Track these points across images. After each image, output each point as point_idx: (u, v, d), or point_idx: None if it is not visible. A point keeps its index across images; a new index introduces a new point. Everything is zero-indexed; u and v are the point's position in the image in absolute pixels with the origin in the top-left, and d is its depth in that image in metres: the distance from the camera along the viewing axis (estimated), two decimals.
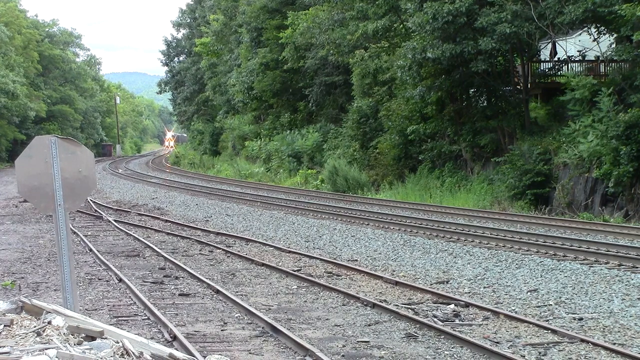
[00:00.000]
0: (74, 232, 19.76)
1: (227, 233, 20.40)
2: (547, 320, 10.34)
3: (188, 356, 6.03)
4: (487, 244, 17.15)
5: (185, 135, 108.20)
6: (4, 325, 5.68)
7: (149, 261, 16.28)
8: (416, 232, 19.41)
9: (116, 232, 21.31)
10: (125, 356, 5.33)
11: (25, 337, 5.47)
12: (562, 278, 13.07)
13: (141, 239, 19.30)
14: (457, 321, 10.45)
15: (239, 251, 17.20)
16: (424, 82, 29.90)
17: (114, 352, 5.33)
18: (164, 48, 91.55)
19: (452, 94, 31.09)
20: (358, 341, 9.55)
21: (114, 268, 14.79)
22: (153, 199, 32.26)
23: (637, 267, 13.73)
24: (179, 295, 12.59)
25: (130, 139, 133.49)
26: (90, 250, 17.55)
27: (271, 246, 17.81)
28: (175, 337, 9.41)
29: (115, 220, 23.47)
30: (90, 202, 29.08)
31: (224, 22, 61.02)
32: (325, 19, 39.55)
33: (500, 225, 20.05)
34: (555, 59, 30.92)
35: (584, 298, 11.60)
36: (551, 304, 11.30)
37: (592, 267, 14.00)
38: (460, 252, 16.22)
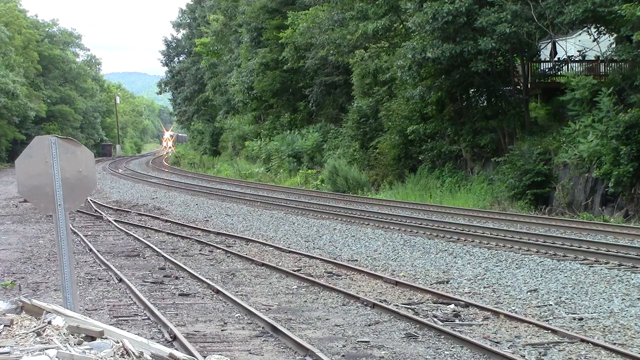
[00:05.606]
0: (74, 232, 19.75)
1: (227, 233, 20.39)
2: (547, 320, 10.34)
3: (188, 356, 6.03)
4: (487, 244, 17.15)
5: (184, 135, 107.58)
6: (4, 325, 5.68)
7: (149, 261, 16.27)
8: (416, 232, 19.41)
9: (116, 232, 21.30)
10: (126, 356, 5.33)
11: (25, 337, 5.47)
12: (562, 278, 13.07)
13: (141, 239, 19.30)
14: (457, 321, 10.45)
15: (239, 251, 17.20)
16: (424, 82, 29.91)
17: (114, 352, 5.33)
18: (164, 48, 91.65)
19: (452, 94, 31.09)
20: (358, 341, 9.55)
21: (114, 268, 14.79)
22: (153, 199, 32.26)
23: (637, 267, 13.73)
24: (179, 295, 12.58)
25: (130, 139, 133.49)
26: (90, 250, 17.54)
27: (271, 246, 17.80)
28: (175, 337, 9.41)
29: (115, 220, 23.46)
30: (90, 202, 29.07)
31: (224, 22, 61.04)
32: (325, 19, 39.57)
33: (500, 225, 20.05)
34: (555, 59, 30.93)
35: (584, 298, 11.60)
36: (551, 304, 11.30)
37: (592, 267, 14.00)
38: (460, 252, 16.22)
